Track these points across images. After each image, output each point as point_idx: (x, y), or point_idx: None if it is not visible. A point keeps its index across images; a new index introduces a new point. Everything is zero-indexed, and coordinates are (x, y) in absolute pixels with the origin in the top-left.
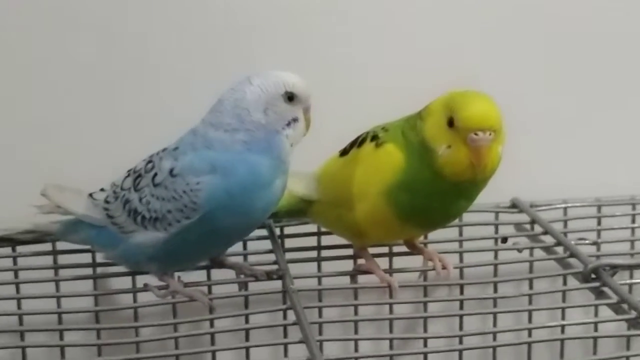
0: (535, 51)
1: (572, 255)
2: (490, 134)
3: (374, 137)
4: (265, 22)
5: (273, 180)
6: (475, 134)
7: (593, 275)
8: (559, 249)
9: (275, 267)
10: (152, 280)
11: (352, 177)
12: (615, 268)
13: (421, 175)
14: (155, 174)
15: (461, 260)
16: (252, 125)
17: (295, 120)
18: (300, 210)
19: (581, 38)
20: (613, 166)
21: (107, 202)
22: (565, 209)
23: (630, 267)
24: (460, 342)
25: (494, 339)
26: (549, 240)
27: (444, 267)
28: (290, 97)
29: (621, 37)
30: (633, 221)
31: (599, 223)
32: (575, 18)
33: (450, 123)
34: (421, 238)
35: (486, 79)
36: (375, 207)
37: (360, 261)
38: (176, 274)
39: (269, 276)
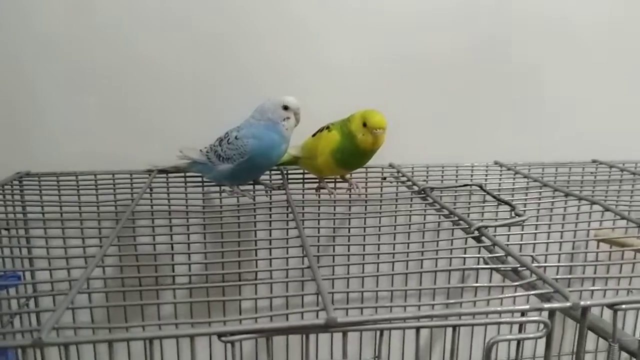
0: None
1: (414, 184)
2: (382, 130)
3: (327, 127)
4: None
5: (280, 144)
6: (376, 130)
7: (422, 193)
8: (409, 183)
9: (281, 184)
10: (227, 188)
11: (317, 146)
12: (432, 189)
13: (348, 146)
14: (229, 138)
15: (365, 185)
16: (266, 118)
17: (288, 118)
18: (294, 161)
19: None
20: (434, 149)
21: (207, 152)
22: (412, 166)
23: (439, 189)
24: (364, 224)
25: (379, 222)
26: (404, 179)
27: (357, 188)
28: (285, 107)
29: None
30: (442, 173)
31: (427, 173)
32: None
33: (364, 124)
34: (348, 175)
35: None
36: (327, 159)
37: (320, 184)
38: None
39: (278, 187)
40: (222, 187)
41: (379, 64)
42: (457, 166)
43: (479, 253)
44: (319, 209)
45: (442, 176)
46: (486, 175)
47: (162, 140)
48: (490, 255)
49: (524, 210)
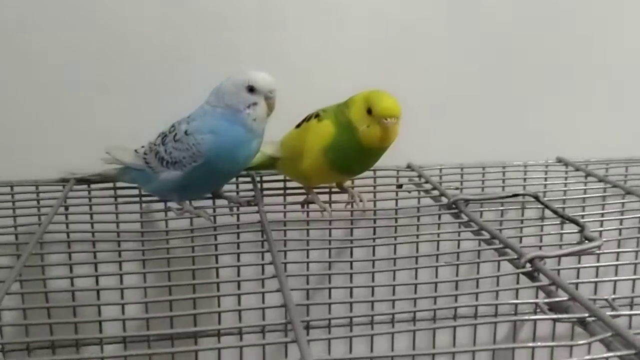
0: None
1: (442, 194)
2: (394, 119)
3: (317, 115)
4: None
5: (249, 141)
6: (386, 119)
7: (453, 207)
8: (435, 192)
9: (253, 197)
10: (174, 205)
11: (302, 141)
12: (467, 201)
13: (346, 142)
14: (176, 134)
15: (374, 197)
16: (224, 105)
17: (254, 104)
18: (270, 164)
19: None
20: (470, 143)
21: (145, 154)
22: (440, 168)
23: (475, 201)
24: (373, 255)
25: (395, 252)
26: (428, 187)
27: (361, 201)
28: (251, 89)
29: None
30: (483, 176)
31: (461, 177)
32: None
33: (369, 111)
34: (349, 182)
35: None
36: (316, 160)
37: (308, 197)
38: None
39: (248, 203)
40: (168, 204)
41: (392, 27)
42: (503, 166)
43: (536, 296)
44: (307, 233)
45: (483, 182)
46: (545, 179)
47: (82, 136)
48: (547, 300)
49: (599, 232)
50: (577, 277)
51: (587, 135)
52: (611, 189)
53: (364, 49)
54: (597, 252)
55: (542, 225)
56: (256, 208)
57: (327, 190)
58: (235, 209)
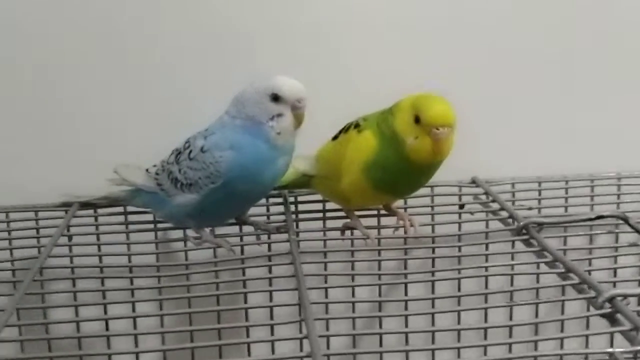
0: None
1: (510, 216)
2: (448, 128)
3: (357, 125)
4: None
5: (275, 158)
6: (437, 129)
7: (524, 232)
8: (504, 214)
9: (284, 223)
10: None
11: (340, 156)
12: (540, 225)
13: (391, 156)
14: (191, 151)
15: (433, 219)
16: (245, 116)
17: (279, 115)
18: (304, 183)
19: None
20: (551, 152)
21: (157, 174)
22: (512, 183)
23: (549, 225)
24: (433, 292)
25: (459, 289)
26: (496, 206)
27: (413, 226)
28: (275, 98)
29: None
30: (566, 192)
31: (539, 194)
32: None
33: (417, 120)
34: (400, 202)
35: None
36: (356, 179)
37: (350, 222)
38: (209, 229)
39: (278, 230)
40: (186, 232)
41: (449, 13)
42: (592, 180)
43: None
44: (352, 266)
45: (566, 199)
46: None
47: (87, 154)
48: (624, 350)
49: None
50: None
51: None
52: None
53: (413, 43)
54: None
55: (638, 254)
56: (287, 236)
57: (375, 212)
58: (266, 236)
